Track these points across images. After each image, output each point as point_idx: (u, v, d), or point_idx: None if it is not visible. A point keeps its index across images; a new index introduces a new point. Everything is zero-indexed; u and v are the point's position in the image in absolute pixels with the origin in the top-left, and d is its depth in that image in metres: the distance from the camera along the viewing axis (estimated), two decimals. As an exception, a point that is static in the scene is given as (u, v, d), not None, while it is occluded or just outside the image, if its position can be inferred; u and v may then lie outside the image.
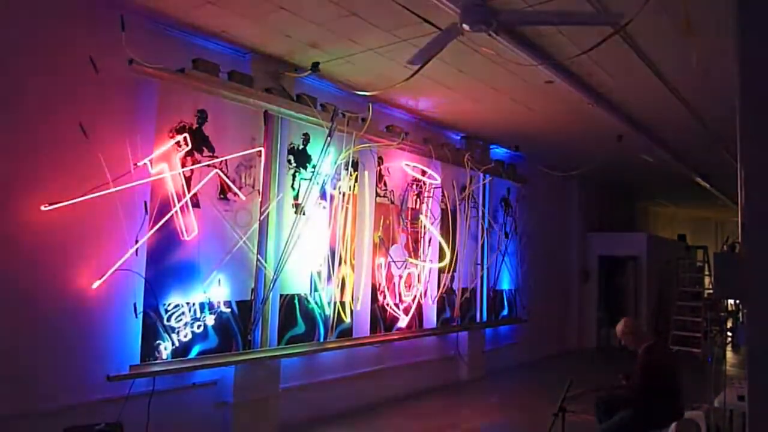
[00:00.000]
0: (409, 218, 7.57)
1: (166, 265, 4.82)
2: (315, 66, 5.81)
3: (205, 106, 5.13)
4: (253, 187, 5.52)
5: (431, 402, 7.50)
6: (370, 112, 6.37)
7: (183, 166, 4.94)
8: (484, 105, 7.18)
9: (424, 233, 7.80)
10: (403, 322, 7.36)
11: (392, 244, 7.27)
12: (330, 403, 6.54)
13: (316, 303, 6.17)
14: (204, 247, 5.07)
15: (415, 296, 7.59)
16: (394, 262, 7.28)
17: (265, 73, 5.72)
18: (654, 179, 12.36)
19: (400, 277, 7.39)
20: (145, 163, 4.69)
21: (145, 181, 4.69)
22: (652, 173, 10.61)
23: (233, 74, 5.33)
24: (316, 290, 6.17)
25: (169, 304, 4.83)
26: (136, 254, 4.64)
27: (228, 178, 5.30)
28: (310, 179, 6.08)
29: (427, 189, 7.85)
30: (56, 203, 4.26)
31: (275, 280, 5.61)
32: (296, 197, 5.99)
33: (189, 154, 5.00)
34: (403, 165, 7.51)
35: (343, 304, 6.47)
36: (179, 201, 4.88)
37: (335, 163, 6.33)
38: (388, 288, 7.17)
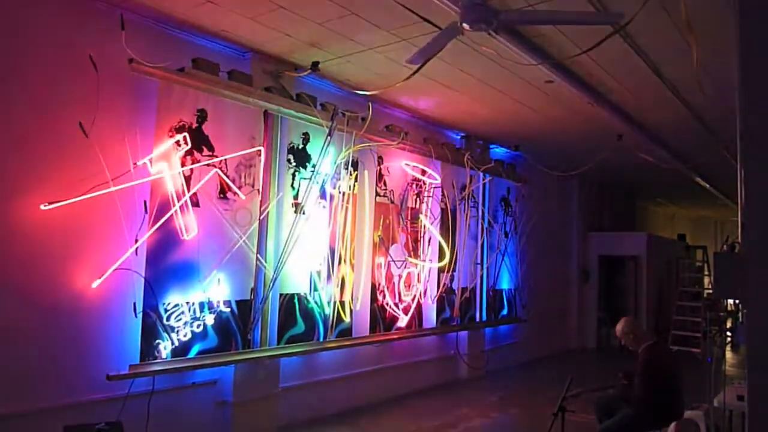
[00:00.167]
0: (409, 218, 7.57)
1: (165, 265, 4.82)
2: (315, 65, 5.81)
3: (205, 106, 5.13)
4: (253, 186, 5.51)
5: (431, 401, 7.49)
6: (370, 111, 6.36)
7: (183, 165, 4.94)
8: (484, 104, 7.18)
9: (424, 233, 7.80)
10: (402, 321, 7.36)
11: (392, 244, 7.27)
12: (329, 402, 6.55)
13: (315, 302, 6.17)
14: (204, 246, 5.07)
15: (415, 296, 7.59)
16: (394, 261, 7.28)
17: (264, 73, 5.72)
18: (654, 179, 12.36)
19: (400, 276, 7.39)
20: (144, 163, 4.69)
21: (144, 180, 4.69)
22: (652, 173, 10.60)
23: (233, 73, 5.33)
24: (315, 290, 6.17)
25: (168, 304, 4.83)
26: (136, 253, 4.64)
27: (228, 177, 5.29)
28: (310, 178, 6.08)
29: (426, 188, 7.85)
30: (56, 202, 4.26)
31: (275, 279, 5.61)
32: (296, 197, 5.99)
33: (189, 153, 5.00)
34: (403, 164, 7.51)
35: (342, 303, 6.47)
36: (179, 200, 4.88)
37: (335, 162, 6.33)
38: (387, 287, 7.17)
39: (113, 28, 4.51)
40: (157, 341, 4.72)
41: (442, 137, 8.46)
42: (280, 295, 5.80)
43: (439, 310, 8.00)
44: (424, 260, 7.76)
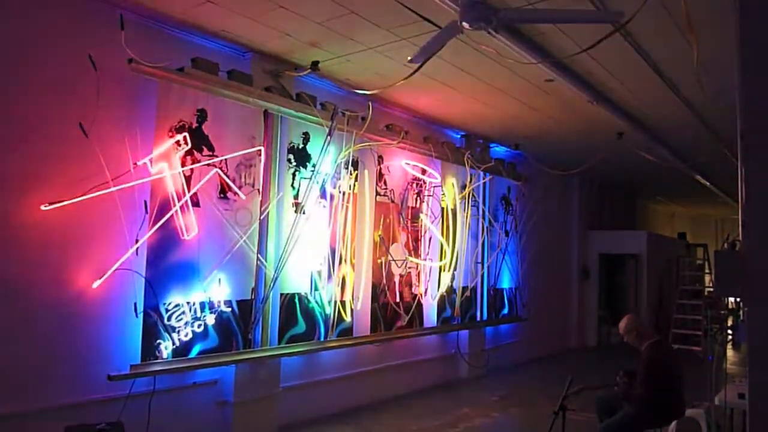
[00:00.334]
0: (409, 217, 7.57)
1: (166, 265, 4.82)
2: (315, 65, 5.81)
3: (205, 105, 5.13)
4: (253, 186, 5.51)
5: (432, 401, 7.49)
6: (370, 110, 6.36)
7: (183, 165, 4.94)
8: (484, 103, 7.18)
9: (425, 232, 7.80)
10: (403, 320, 7.36)
11: (392, 243, 7.27)
12: (330, 402, 6.55)
13: (316, 302, 6.17)
14: (204, 246, 5.07)
15: (416, 295, 7.60)
16: (395, 260, 7.28)
17: (264, 72, 5.71)
18: (654, 177, 12.35)
19: (401, 275, 7.40)
20: (144, 162, 4.69)
21: (145, 180, 4.69)
22: (653, 171, 10.60)
23: (233, 73, 5.33)
24: (316, 289, 6.17)
25: (169, 304, 4.83)
26: (137, 254, 4.64)
27: (228, 177, 5.29)
28: (310, 178, 6.08)
29: (427, 188, 7.85)
30: (56, 202, 4.26)
31: (275, 279, 5.61)
32: (296, 196, 5.99)
33: (189, 153, 5.00)
34: (403, 164, 7.51)
35: (343, 303, 6.47)
36: (179, 200, 4.88)
37: (335, 162, 6.33)
38: (388, 287, 7.17)
39: (113, 28, 4.50)
40: (157, 341, 4.72)
41: (442, 136, 8.46)
42: (281, 294, 5.80)
43: (440, 309, 8.00)
44: (425, 259, 7.76)
